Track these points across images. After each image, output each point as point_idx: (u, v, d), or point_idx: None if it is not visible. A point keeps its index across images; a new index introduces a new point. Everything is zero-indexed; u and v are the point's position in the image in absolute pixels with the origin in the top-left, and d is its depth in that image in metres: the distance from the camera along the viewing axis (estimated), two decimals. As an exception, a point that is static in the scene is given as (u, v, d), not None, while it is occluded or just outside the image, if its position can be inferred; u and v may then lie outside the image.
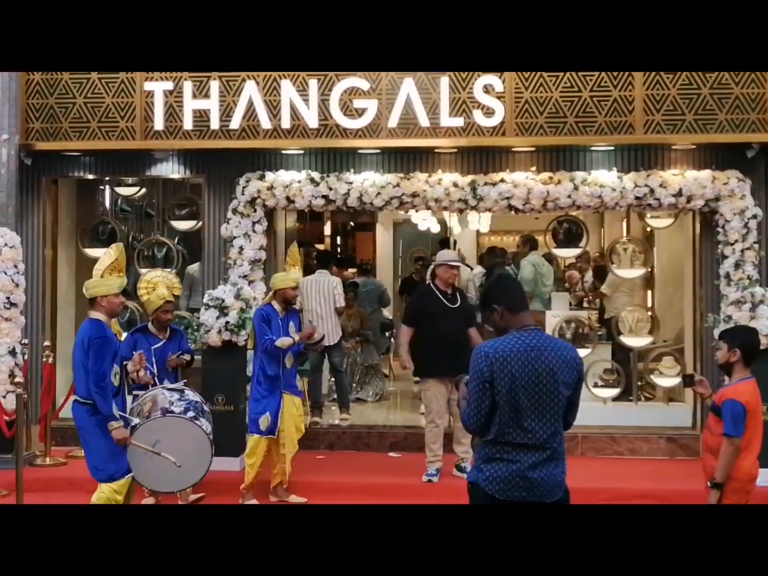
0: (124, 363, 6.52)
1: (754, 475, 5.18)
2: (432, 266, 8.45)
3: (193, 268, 10.07)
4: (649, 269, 9.82)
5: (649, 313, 9.69)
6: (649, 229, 10.30)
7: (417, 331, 7.95)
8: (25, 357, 8.62)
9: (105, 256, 6.14)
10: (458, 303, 8.02)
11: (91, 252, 9.79)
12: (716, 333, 8.07)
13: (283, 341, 7.30)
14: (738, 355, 5.19)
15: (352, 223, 14.84)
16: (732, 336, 5.34)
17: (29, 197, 9.20)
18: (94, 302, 6.01)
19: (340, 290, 9.69)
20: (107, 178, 10.16)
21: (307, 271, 9.68)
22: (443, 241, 10.22)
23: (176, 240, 10.35)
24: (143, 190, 10.58)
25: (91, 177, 9.58)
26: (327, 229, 14.01)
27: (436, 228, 12.53)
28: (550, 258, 10.49)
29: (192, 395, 6.53)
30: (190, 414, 6.23)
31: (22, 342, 8.58)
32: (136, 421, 6.04)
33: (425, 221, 12.05)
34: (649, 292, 10.73)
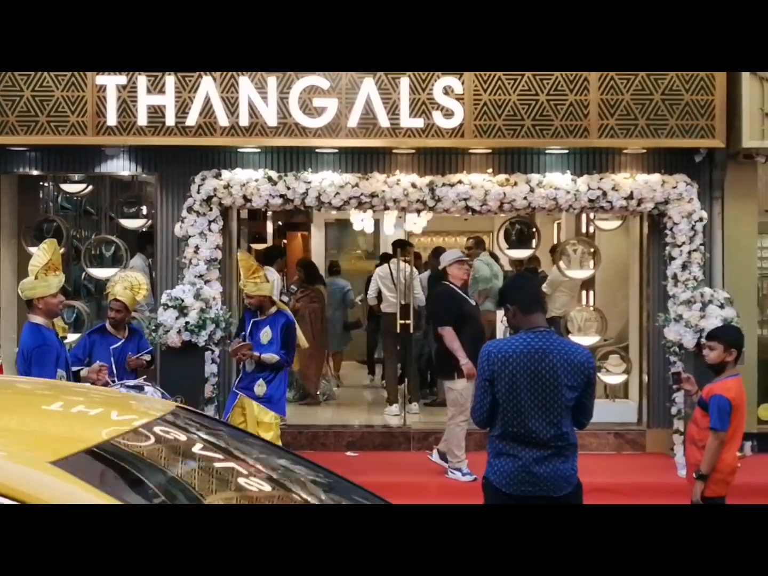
0: (77, 369, 6.47)
1: (735, 466, 5.33)
2: (440, 267, 8.41)
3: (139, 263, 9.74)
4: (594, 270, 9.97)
5: (597, 313, 9.83)
6: (586, 231, 10.54)
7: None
8: (-29, 360, 8.24)
9: (39, 253, 5.94)
10: (474, 303, 8.18)
11: (34, 251, 9.28)
12: (666, 331, 8.41)
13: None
14: (734, 355, 5.37)
15: (280, 223, 14.59)
16: (727, 337, 5.47)
17: (-29, 194, 8.83)
18: (31, 304, 5.79)
19: (276, 290, 9.39)
20: (51, 175, 9.79)
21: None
22: (399, 242, 10.23)
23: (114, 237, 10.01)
24: (90, 187, 10.22)
25: (37, 173, 9.22)
26: (252, 227, 13.31)
27: (370, 228, 12.44)
28: (495, 258, 10.63)
29: (151, 392, 6.34)
30: None
31: (-33, 344, 8.25)
32: None
33: (362, 221, 11.94)
34: (584, 292, 10.82)
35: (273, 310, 7.37)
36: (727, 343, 5.37)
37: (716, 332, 5.69)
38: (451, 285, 8.07)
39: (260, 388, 7.25)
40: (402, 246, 10.04)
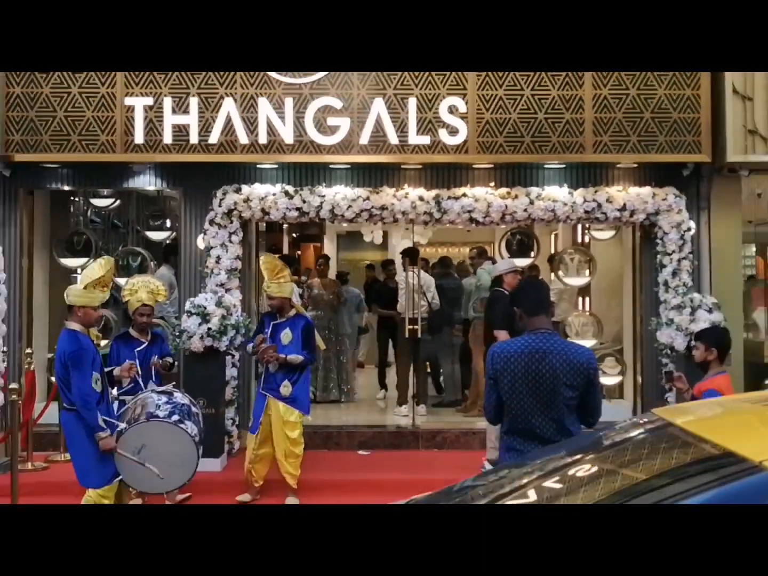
0: (110, 369, 6.17)
1: None
2: (495, 274, 7.98)
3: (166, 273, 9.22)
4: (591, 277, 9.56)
5: (593, 318, 9.45)
6: (582, 241, 10.19)
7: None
8: (5, 365, 7.76)
9: (95, 267, 5.57)
10: None
11: (66, 262, 9.00)
12: (659, 334, 8.04)
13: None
14: (715, 354, 5.18)
15: (295, 234, 14.17)
16: (708, 337, 5.31)
17: (7, 208, 8.24)
18: (71, 309, 5.43)
19: (295, 297, 8.70)
20: (82, 190, 9.34)
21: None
22: (410, 250, 9.57)
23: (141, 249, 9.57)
24: (118, 201, 9.72)
25: (68, 188, 8.73)
26: (269, 239, 12.81)
27: (379, 240, 11.99)
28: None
29: (180, 398, 5.95)
30: (175, 417, 5.64)
31: (3, 350, 7.74)
32: (122, 426, 5.49)
33: (372, 233, 11.61)
34: (581, 299, 10.51)
35: (292, 312, 6.94)
36: (707, 343, 5.23)
37: (699, 333, 5.56)
38: (504, 291, 7.57)
39: (286, 388, 6.80)
40: (411, 255, 9.43)
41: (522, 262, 9.08)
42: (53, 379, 7.82)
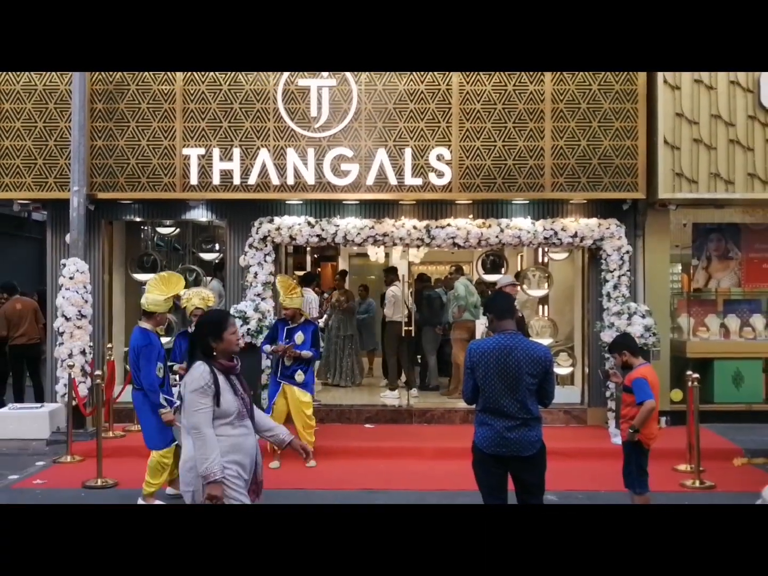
0: (172, 364, 6.61)
1: (656, 435, 5.31)
2: (498, 287, 7.93)
3: (216, 285, 9.82)
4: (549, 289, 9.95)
5: (550, 322, 9.86)
6: (542, 260, 10.40)
7: None
8: (92, 356, 8.51)
9: (168, 282, 6.12)
10: (521, 314, 7.76)
11: (137, 276, 9.67)
12: (602, 335, 8.41)
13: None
14: (627, 354, 5.29)
15: (315, 255, 14.57)
16: (615, 348, 5.39)
17: (93, 235, 8.94)
18: (147, 314, 5.99)
19: (315, 305, 9.49)
20: (149, 221, 9.98)
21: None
22: (391, 269, 10.03)
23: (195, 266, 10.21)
24: (178, 230, 10.40)
25: (139, 220, 9.42)
26: (295, 259, 13.20)
27: (382, 259, 12.41)
28: (470, 281, 10.55)
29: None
30: None
31: (90, 345, 8.47)
32: (179, 403, 5.91)
33: (376, 254, 12.00)
34: (540, 306, 10.82)
35: (302, 319, 7.43)
36: (618, 352, 5.32)
37: (608, 348, 5.52)
38: None
39: (300, 376, 7.34)
40: (392, 272, 9.87)
41: (494, 278, 9.51)
42: (128, 367, 8.47)
